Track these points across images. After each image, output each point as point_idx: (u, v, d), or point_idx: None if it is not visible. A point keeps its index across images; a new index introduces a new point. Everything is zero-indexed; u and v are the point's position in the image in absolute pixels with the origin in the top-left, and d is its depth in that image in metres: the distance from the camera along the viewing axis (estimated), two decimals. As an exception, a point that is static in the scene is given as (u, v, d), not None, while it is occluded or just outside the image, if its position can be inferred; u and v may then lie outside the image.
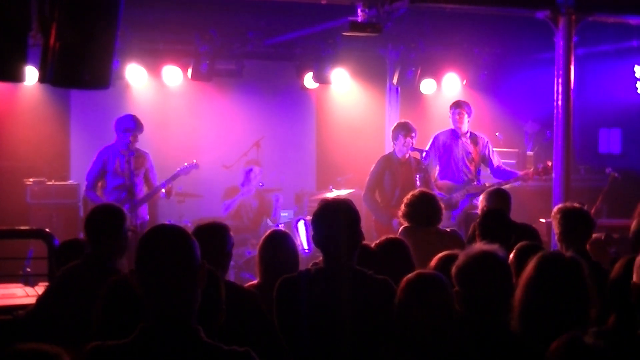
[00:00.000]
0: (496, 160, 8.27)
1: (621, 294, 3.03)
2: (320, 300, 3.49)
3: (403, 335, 3.08)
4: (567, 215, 4.57)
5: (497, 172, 8.18)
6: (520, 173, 8.11)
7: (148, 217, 7.84)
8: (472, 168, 8.17)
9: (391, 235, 4.59)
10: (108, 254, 4.09)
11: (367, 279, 3.53)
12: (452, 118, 8.21)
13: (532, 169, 8.10)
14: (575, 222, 4.55)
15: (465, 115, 8.16)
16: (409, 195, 5.74)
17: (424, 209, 5.54)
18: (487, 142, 8.35)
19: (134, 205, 7.57)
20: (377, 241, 4.32)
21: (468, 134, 8.24)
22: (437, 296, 3.05)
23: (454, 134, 8.23)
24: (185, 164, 8.21)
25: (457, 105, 8.26)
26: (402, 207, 5.65)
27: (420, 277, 3.17)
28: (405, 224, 5.56)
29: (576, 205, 4.76)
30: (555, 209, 4.74)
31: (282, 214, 9.31)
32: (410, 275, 3.20)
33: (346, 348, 3.42)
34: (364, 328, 3.40)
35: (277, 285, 3.64)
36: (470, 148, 8.20)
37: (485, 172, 8.38)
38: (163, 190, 7.91)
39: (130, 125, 7.71)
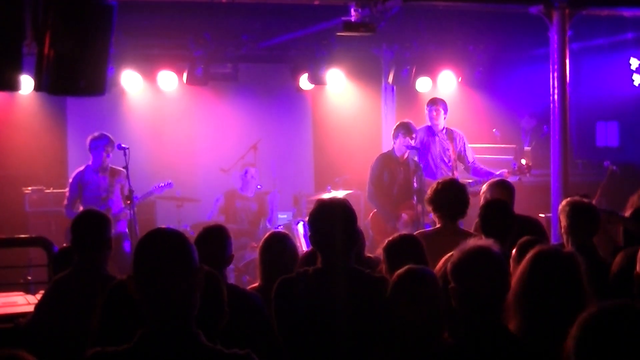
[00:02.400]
0: (470, 157, 8.29)
1: (624, 286, 3.03)
2: (318, 300, 3.48)
3: (393, 331, 3.09)
4: (576, 209, 4.56)
5: (473, 170, 8.17)
6: (494, 173, 8.00)
7: (127, 230, 7.90)
8: (450, 164, 8.19)
9: (404, 232, 4.53)
10: (97, 260, 4.08)
11: (364, 277, 3.53)
12: (429, 115, 8.28)
13: (507, 171, 8.01)
14: (583, 216, 4.54)
15: (442, 112, 8.21)
16: (439, 180, 5.59)
17: (452, 198, 5.32)
18: (462, 137, 8.36)
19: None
20: (391, 238, 4.27)
21: (444, 130, 8.28)
22: (425, 292, 3.07)
23: (430, 131, 8.27)
24: (161, 183, 8.33)
25: (433, 102, 8.31)
26: (430, 192, 5.41)
27: (410, 272, 3.18)
28: (430, 209, 5.45)
29: (585, 199, 4.76)
30: (564, 202, 4.71)
31: (279, 216, 9.30)
32: (400, 271, 3.21)
33: (344, 347, 3.41)
34: (362, 327, 3.40)
35: (275, 286, 3.64)
36: (447, 144, 8.24)
37: (461, 167, 8.38)
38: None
39: (103, 141, 7.93)
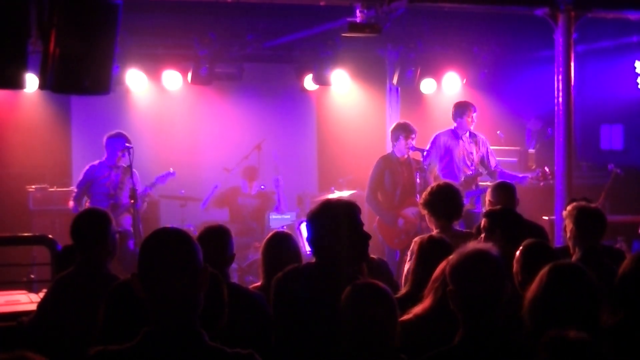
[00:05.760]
0: (493, 162, 8.25)
1: (630, 290, 3.03)
2: (317, 295, 3.47)
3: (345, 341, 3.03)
4: (582, 213, 4.55)
5: (499, 175, 8.07)
6: (519, 177, 8.00)
7: (131, 228, 7.89)
8: (473, 168, 8.16)
9: (432, 234, 4.50)
10: (99, 258, 4.07)
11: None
12: (467, 119, 8.13)
13: (531, 177, 7.99)
14: (591, 221, 4.54)
15: (475, 116, 8.18)
16: (433, 185, 5.58)
17: (447, 200, 5.34)
18: (486, 142, 8.34)
19: (116, 215, 7.66)
20: (422, 240, 4.24)
21: (468, 134, 8.23)
22: (376, 307, 2.99)
23: (455, 134, 8.23)
24: (162, 173, 8.30)
25: (468, 108, 8.19)
26: (425, 195, 5.41)
27: (362, 286, 3.10)
28: (425, 212, 5.44)
29: (592, 204, 4.75)
30: (570, 207, 4.70)
31: (283, 217, 9.28)
32: (357, 283, 3.13)
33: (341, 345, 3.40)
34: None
35: (276, 278, 3.64)
36: (471, 148, 8.20)
37: (484, 172, 8.35)
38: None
39: (121, 144, 7.92)
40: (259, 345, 2.81)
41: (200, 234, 4.21)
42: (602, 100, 10.52)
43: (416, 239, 4.34)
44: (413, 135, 7.87)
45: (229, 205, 9.04)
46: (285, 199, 9.09)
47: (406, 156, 7.91)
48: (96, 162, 8.14)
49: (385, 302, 3.01)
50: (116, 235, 4.26)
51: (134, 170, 7.76)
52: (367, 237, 3.75)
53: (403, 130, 7.91)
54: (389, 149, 8.95)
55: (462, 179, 8.01)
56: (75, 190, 8.15)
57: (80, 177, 8.15)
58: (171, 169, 8.38)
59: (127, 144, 7.82)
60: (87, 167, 8.16)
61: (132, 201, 7.69)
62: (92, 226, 4.13)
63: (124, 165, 7.98)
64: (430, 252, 4.06)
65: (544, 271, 3.02)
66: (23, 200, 9.32)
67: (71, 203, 8.06)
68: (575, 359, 2.40)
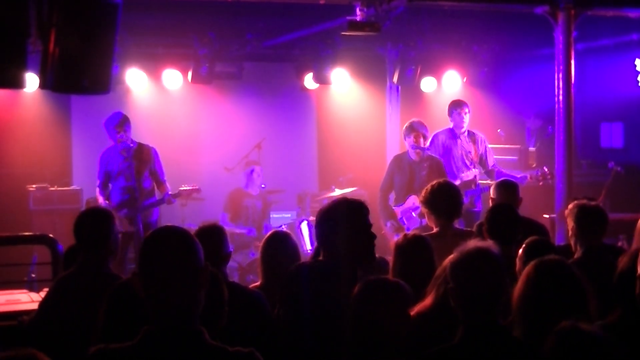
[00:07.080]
0: (491, 161, 8.23)
1: (628, 287, 3.04)
2: (319, 293, 3.48)
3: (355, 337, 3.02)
4: (584, 212, 4.56)
5: (496, 174, 8.04)
6: (517, 176, 7.98)
7: (158, 215, 7.82)
8: (472, 167, 8.15)
9: (414, 232, 4.51)
10: (100, 258, 4.07)
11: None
12: (459, 117, 8.14)
13: (530, 176, 7.96)
14: (592, 219, 4.54)
15: (469, 114, 8.16)
16: (433, 183, 5.54)
17: (447, 199, 5.35)
18: (484, 140, 8.32)
19: (137, 209, 7.65)
20: (398, 238, 4.25)
21: (466, 133, 8.22)
22: (391, 303, 2.98)
23: (453, 134, 8.22)
24: (185, 186, 8.23)
25: (459, 105, 8.21)
26: (424, 193, 5.42)
27: (378, 282, 3.10)
28: (425, 211, 5.44)
29: (592, 202, 4.75)
30: (571, 205, 4.70)
31: (284, 215, 9.30)
32: (369, 279, 3.12)
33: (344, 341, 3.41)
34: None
35: (287, 272, 3.66)
36: (469, 147, 8.18)
37: (482, 170, 8.34)
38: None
39: (113, 121, 7.79)
40: (259, 344, 2.81)
41: (195, 233, 4.20)
42: (602, 98, 10.52)
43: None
44: (415, 133, 7.85)
45: (234, 207, 9.02)
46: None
47: (421, 154, 7.83)
48: (106, 148, 8.01)
49: (400, 299, 3.01)
50: (119, 234, 4.26)
51: (151, 148, 7.74)
52: (373, 237, 3.75)
53: (406, 129, 7.90)
54: (389, 147, 8.97)
55: (460, 180, 7.98)
56: (98, 181, 8.00)
57: (97, 170, 8.00)
58: (197, 186, 8.32)
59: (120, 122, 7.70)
60: (99, 159, 8.01)
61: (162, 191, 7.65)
62: (94, 226, 4.13)
63: (138, 143, 7.86)
64: (406, 250, 4.07)
65: (528, 268, 3.06)
66: (23, 199, 9.33)
67: (100, 198, 7.91)
68: (586, 350, 2.43)
